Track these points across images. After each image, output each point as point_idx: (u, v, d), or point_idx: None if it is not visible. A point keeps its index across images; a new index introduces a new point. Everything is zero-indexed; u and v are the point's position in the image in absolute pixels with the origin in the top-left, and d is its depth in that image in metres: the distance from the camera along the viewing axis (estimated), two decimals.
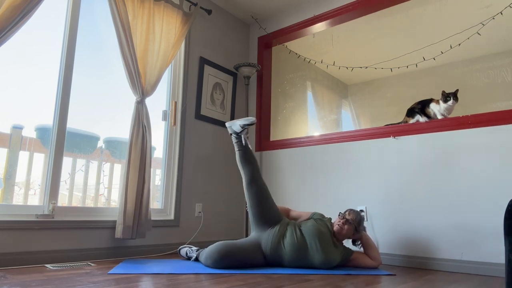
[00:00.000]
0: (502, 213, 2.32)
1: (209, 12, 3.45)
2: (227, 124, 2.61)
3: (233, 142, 2.58)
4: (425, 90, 4.35)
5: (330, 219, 2.52)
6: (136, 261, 2.46)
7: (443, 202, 2.56)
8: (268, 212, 2.44)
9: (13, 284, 1.66)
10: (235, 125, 2.52)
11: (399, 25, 3.85)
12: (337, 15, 3.37)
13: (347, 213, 2.47)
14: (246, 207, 2.62)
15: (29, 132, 2.41)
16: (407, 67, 4.29)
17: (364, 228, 2.51)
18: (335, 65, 4.54)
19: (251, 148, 2.55)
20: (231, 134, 2.59)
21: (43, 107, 2.45)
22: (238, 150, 2.54)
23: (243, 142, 2.51)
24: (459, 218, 2.48)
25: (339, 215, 2.48)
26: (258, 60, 3.87)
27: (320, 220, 2.46)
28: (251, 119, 2.43)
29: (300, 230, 2.38)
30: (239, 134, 2.51)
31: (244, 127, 2.46)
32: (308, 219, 2.54)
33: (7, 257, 2.10)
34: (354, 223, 2.41)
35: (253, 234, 2.46)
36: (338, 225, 2.40)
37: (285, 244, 2.34)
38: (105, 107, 2.82)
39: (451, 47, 3.77)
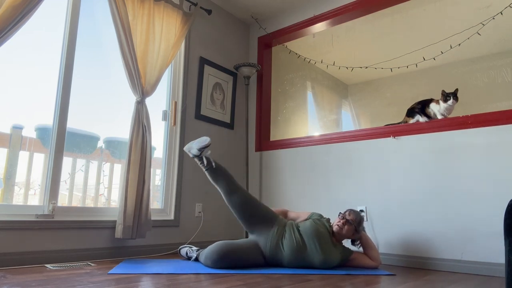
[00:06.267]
0: (502, 213, 2.32)
1: (209, 12, 3.45)
2: (185, 149, 2.52)
3: (198, 164, 2.50)
4: (425, 90, 4.35)
5: (328, 219, 2.51)
6: (136, 261, 2.46)
7: (443, 202, 2.56)
8: (257, 215, 2.43)
9: (13, 284, 1.66)
10: (192, 149, 2.46)
11: (399, 25, 3.85)
12: (337, 15, 3.37)
13: (347, 213, 2.46)
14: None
15: (29, 132, 2.41)
16: (407, 67, 4.29)
17: (363, 228, 2.51)
18: (335, 65, 4.54)
19: (215, 163, 2.47)
20: (193, 157, 2.52)
21: (43, 107, 2.45)
22: (206, 170, 2.48)
23: (205, 162, 2.45)
24: (459, 218, 2.48)
25: (339, 215, 2.48)
26: (258, 60, 3.87)
27: (319, 220, 2.46)
28: (205, 141, 2.39)
29: (299, 231, 2.38)
30: (200, 156, 2.45)
31: (201, 149, 2.41)
32: (307, 219, 2.54)
33: (7, 257, 2.10)
34: (354, 224, 2.41)
35: (251, 236, 2.46)
36: (338, 225, 2.40)
37: (284, 245, 2.34)
38: (105, 107, 2.82)
39: (451, 47, 3.77)
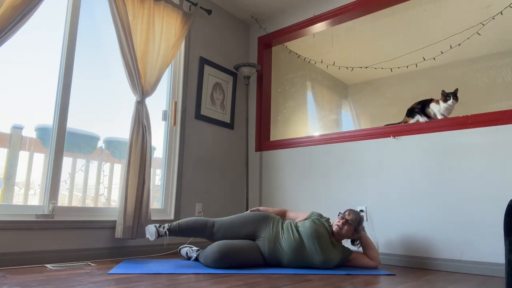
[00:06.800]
0: (502, 213, 2.32)
1: (209, 12, 3.45)
2: (153, 239, 2.40)
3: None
4: (425, 90, 4.35)
5: (328, 219, 2.51)
6: (136, 261, 2.46)
7: (443, 202, 2.56)
8: (245, 231, 2.43)
9: (13, 284, 1.66)
10: (152, 238, 2.37)
11: (399, 25, 3.85)
12: (337, 15, 3.37)
13: (346, 213, 2.46)
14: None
15: (29, 132, 2.41)
16: (407, 67, 4.29)
17: (363, 228, 2.51)
18: (335, 65, 4.54)
19: (176, 229, 2.39)
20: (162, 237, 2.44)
21: (43, 107, 2.45)
22: (176, 235, 2.43)
23: (167, 237, 2.37)
24: (459, 218, 2.48)
25: (338, 215, 2.48)
26: (258, 60, 3.87)
27: (318, 220, 2.46)
28: (152, 236, 2.31)
29: (298, 231, 2.38)
30: (161, 236, 2.37)
31: (158, 238, 2.35)
32: (306, 219, 2.54)
33: (7, 257, 2.10)
34: (354, 224, 2.41)
35: None
36: (338, 225, 2.40)
37: (283, 245, 2.33)
38: (105, 107, 2.82)
39: (451, 47, 3.77)
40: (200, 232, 2.44)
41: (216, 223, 2.47)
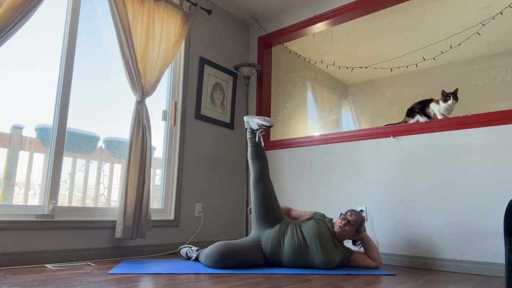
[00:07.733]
0: (502, 213, 2.32)
1: (209, 12, 3.45)
2: (245, 118, 2.65)
3: (247, 138, 2.63)
4: (425, 90, 4.35)
5: (331, 219, 2.51)
6: (136, 261, 2.46)
7: (443, 202, 2.56)
8: (271, 211, 2.46)
9: (13, 284, 1.66)
10: (252, 122, 2.56)
11: (399, 25, 3.85)
12: (337, 15, 3.37)
13: (348, 214, 2.46)
14: (249, 208, 2.62)
15: (29, 132, 2.41)
16: (407, 67, 4.29)
17: (364, 229, 2.51)
18: (335, 65, 4.54)
19: (263, 146, 2.60)
20: (246, 129, 2.64)
21: (43, 107, 2.45)
22: (251, 146, 2.59)
23: (257, 139, 2.57)
24: (459, 218, 2.48)
25: (340, 215, 2.48)
26: (258, 60, 3.87)
27: (321, 220, 2.46)
28: (270, 122, 2.49)
29: (301, 231, 2.38)
30: (255, 131, 2.57)
31: (261, 126, 2.51)
32: (309, 219, 2.54)
33: (7, 257, 2.10)
34: (356, 225, 2.40)
35: (253, 232, 2.46)
36: (340, 226, 2.39)
37: (285, 244, 2.34)
38: (105, 107, 2.82)
39: (451, 47, 3.77)
40: (262, 165, 2.55)
41: (270, 180, 2.55)
